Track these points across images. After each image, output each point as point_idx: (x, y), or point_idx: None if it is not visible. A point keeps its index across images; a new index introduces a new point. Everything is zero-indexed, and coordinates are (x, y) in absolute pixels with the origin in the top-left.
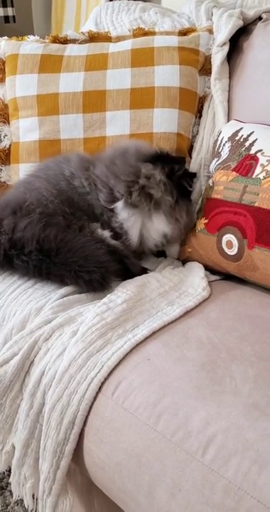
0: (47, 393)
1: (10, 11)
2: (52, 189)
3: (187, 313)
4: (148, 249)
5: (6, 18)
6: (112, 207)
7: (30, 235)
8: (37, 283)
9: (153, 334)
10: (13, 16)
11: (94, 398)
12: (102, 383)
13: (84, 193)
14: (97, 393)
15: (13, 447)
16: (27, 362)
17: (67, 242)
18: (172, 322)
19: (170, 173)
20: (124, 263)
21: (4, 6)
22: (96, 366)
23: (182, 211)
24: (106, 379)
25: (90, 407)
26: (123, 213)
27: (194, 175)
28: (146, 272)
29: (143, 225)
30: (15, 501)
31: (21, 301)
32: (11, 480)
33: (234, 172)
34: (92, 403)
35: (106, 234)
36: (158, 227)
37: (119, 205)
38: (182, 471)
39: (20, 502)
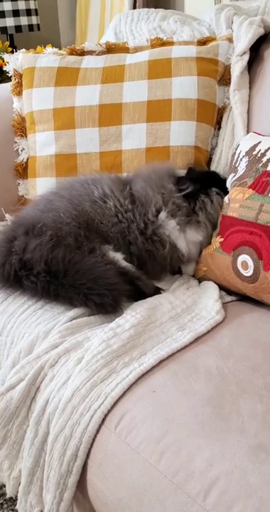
0: (51, 422)
1: (34, 20)
2: (72, 210)
3: (198, 338)
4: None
5: (30, 27)
6: (155, 219)
7: (39, 256)
8: (46, 304)
9: (160, 363)
10: (38, 25)
11: (97, 430)
12: (106, 415)
13: (113, 214)
14: (100, 425)
15: (21, 473)
16: (33, 388)
17: (76, 263)
18: (181, 349)
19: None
20: (136, 285)
21: (28, 14)
22: (100, 397)
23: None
24: (109, 411)
25: (93, 439)
26: (167, 224)
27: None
28: (159, 292)
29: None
30: None
31: (30, 324)
32: (17, 507)
33: (250, 189)
34: (95, 435)
35: (119, 256)
36: (193, 237)
37: (162, 215)
38: None
39: None
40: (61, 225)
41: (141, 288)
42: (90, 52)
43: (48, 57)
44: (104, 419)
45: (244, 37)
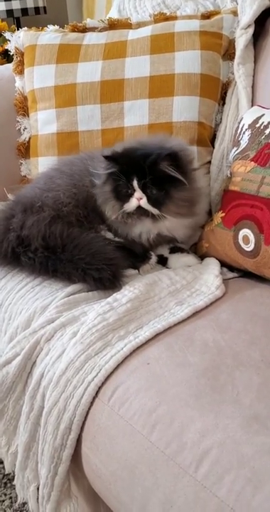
0: (46, 396)
1: (40, 2)
2: (72, 188)
3: (196, 313)
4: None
5: (37, 10)
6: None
7: (36, 232)
8: (45, 281)
9: (156, 336)
10: (44, 7)
11: (91, 403)
12: (99, 388)
13: None
14: (94, 398)
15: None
16: (29, 363)
17: (74, 238)
18: (179, 323)
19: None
20: (127, 249)
21: None
22: (94, 370)
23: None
24: (103, 383)
25: (87, 412)
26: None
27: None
28: (148, 253)
29: None
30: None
31: (28, 300)
32: (14, 482)
33: (252, 162)
34: (89, 408)
35: (110, 235)
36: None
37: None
38: (174, 485)
39: None
40: (61, 206)
41: (131, 248)
42: (92, 29)
43: (50, 35)
44: (97, 392)
45: (249, 9)
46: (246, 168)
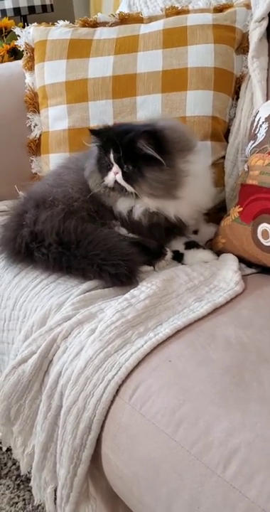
0: (64, 395)
1: (47, 0)
2: (78, 184)
3: (216, 310)
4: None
5: (44, 7)
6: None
7: (50, 227)
8: (60, 278)
9: (176, 333)
10: (51, 5)
11: (111, 402)
12: (120, 386)
13: None
14: (114, 397)
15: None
16: (45, 361)
17: (88, 234)
18: (199, 320)
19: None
20: (142, 245)
21: None
22: (114, 368)
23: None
24: (123, 382)
25: (107, 411)
26: None
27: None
28: (164, 249)
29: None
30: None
31: (43, 297)
32: (31, 483)
33: None
34: (109, 407)
35: (124, 231)
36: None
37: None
38: (201, 486)
39: None
40: (71, 201)
41: (146, 244)
42: (103, 24)
43: (60, 30)
44: (118, 390)
45: (263, 2)
46: (265, 162)
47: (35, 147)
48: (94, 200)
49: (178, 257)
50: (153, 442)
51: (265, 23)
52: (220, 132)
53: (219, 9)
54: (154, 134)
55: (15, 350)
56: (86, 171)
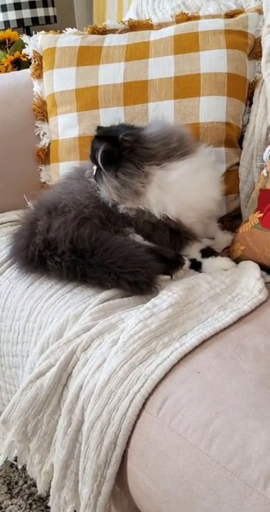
0: (86, 410)
1: (51, 11)
2: (85, 192)
3: (241, 318)
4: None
5: (47, 19)
6: None
7: (64, 234)
8: (75, 287)
9: (203, 343)
10: (54, 16)
11: (138, 416)
12: (146, 399)
13: None
14: (141, 410)
15: (53, 467)
16: (64, 374)
17: (103, 241)
18: (225, 329)
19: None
20: (159, 254)
21: (45, 5)
22: (140, 380)
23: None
24: (150, 394)
25: (133, 426)
26: None
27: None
28: (181, 258)
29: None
30: None
31: (59, 308)
32: (50, 503)
33: None
34: (135, 422)
35: (139, 238)
36: None
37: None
38: (240, 504)
39: None
40: (82, 207)
41: (163, 254)
42: (112, 31)
43: (69, 37)
44: (144, 404)
45: None
46: None
47: (44, 156)
48: (105, 207)
49: (196, 266)
50: (185, 458)
51: None
52: (234, 138)
53: (230, 15)
54: (113, 141)
55: (31, 363)
56: None
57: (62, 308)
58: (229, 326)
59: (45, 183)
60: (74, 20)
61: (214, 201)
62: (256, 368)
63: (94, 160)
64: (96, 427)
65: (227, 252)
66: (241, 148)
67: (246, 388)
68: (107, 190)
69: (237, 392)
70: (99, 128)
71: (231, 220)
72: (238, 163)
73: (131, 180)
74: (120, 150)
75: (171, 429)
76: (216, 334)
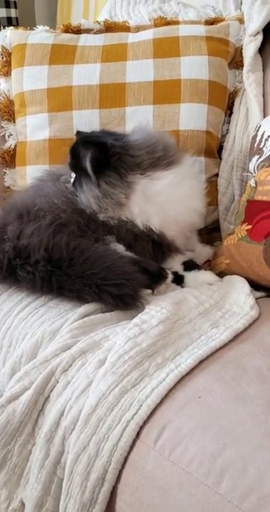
0: (68, 439)
1: (13, 13)
2: (61, 196)
3: (236, 337)
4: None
5: (9, 20)
6: None
7: (38, 242)
8: (50, 300)
9: (199, 364)
10: (16, 18)
11: (131, 447)
12: (141, 428)
13: None
14: (135, 441)
15: (22, 504)
16: (41, 398)
17: (83, 250)
18: (220, 348)
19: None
20: (142, 267)
21: (7, 6)
22: (133, 406)
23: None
24: (145, 422)
25: (125, 459)
26: None
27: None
28: (164, 272)
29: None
30: None
31: (32, 323)
32: None
33: None
34: (128, 453)
35: (121, 248)
36: None
37: None
38: None
39: None
40: (58, 212)
41: (146, 267)
42: (87, 31)
43: (41, 34)
44: (139, 433)
45: (257, 16)
46: None
47: (10, 158)
48: (84, 213)
49: (178, 280)
50: (190, 496)
51: (260, 37)
52: (214, 148)
53: (210, 22)
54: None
55: (0, 385)
56: None
57: (36, 324)
58: (224, 346)
59: (8, 187)
60: (35, 23)
61: (197, 214)
62: (262, 392)
63: (76, 167)
64: (81, 459)
65: (208, 265)
66: (221, 159)
67: (255, 415)
68: (87, 200)
69: (246, 419)
70: (79, 133)
71: (208, 233)
72: (217, 175)
73: (113, 191)
74: (108, 157)
75: (172, 463)
76: (212, 354)
